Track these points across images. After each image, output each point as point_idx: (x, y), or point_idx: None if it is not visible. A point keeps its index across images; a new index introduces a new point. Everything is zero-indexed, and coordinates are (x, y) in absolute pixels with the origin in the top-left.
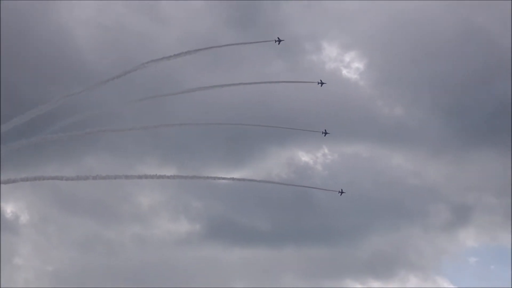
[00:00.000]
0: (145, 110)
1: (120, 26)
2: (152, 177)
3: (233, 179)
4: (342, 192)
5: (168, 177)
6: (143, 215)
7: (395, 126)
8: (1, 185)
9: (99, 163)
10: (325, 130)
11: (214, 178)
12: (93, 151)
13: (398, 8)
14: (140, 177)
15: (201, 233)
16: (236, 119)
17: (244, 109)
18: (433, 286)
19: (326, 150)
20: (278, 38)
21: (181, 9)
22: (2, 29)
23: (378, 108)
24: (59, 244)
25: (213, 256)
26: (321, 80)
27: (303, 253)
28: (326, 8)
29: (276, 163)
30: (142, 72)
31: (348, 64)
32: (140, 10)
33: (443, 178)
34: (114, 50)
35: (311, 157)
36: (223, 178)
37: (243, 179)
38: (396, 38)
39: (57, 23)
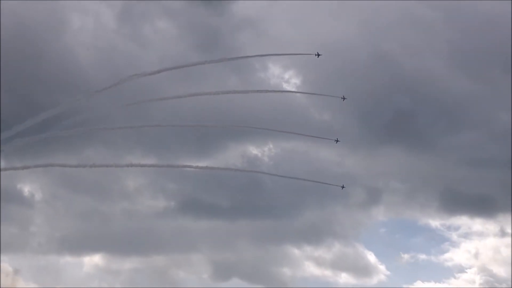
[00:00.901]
0: (131, 113)
1: (112, 49)
2: (136, 165)
3: (198, 167)
4: (343, 187)
5: (149, 165)
6: (130, 194)
7: (323, 128)
8: (20, 170)
9: (96, 154)
10: (337, 139)
11: (185, 166)
12: (91, 145)
13: (324, 38)
14: (127, 165)
15: (175, 209)
16: (202, 121)
17: (209, 113)
18: (352, 249)
19: (271, 146)
20: (318, 52)
21: (160, 36)
22: (23, 52)
23: (311, 114)
24: (65, 216)
25: (184, 226)
26: (343, 96)
27: (253, 224)
28: (271, 38)
29: (233, 155)
30: (129, 84)
31: (287, 80)
32: (128, 36)
33: (360, 167)
34: (107, 66)
35: (259, 150)
36: (191, 167)
37: (207, 167)
38: (323, 60)
39: (64, 46)
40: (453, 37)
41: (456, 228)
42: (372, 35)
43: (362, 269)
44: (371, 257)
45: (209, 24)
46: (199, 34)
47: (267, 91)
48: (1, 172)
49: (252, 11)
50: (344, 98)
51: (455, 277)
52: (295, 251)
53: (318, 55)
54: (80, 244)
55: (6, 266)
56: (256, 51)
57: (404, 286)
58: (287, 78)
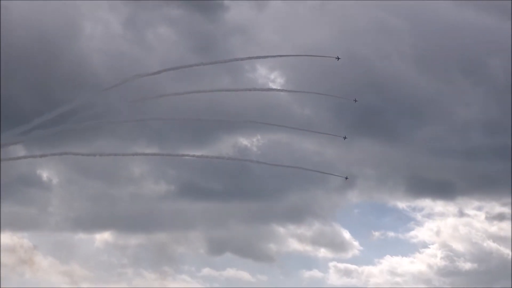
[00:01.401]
0: (136, 109)
1: (119, 52)
2: (141, 154)
3: (195, 156)
4: (347, 178)
5: (152, 154)
6: (135, 179)
7: (304, 121)
8: (39, 158)
9: (105, 144)
10: (345, 136)
11: (183, 155)
12: (101, 136)
13: (304, 42)
14: (133, 154)
15: (175, 192)
16: (198, 115)
17: (204, 109)
18: (329, 228)
19: (259, 137)
20: (338, 56)
21: (161, 41)
22: (43, 54)
23: (294, 109)
24: (78, 199)
25: (182, 208)
26: (355, 99)
27: (243, 206)
28: (258, 42)
29: (225, 145)
30: (134, 83)
31: (273, 80)
32: (133, 41)
33: (337, 156)
34: (115, 68)
35: (248, 141)
36: (189, 155)
37: (203, 156)
38: (304, 63)
39: (78, 50)
40: (417, 42)
41: (420, 209)
42: (346, 40)
43: (338, 245)
44: (346, 235)
45: (204, 30)
46: (196, 39)
47: (255, 89)
48: (23, 160)
49: (242, 19)
50: (355, 100)
51: (419, 252)
52: (280, 229)
53: (338, 58)
54: (91, 223)
55: (27, 242)
56: (246, 54)
57: (375, 259)
58: (273, 78)
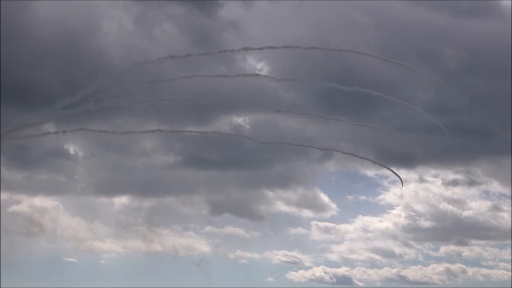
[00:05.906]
0: (147, 92)
1: (130, 45)
2: (151, 131)
3: (198, 131)
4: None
5: (161, 130)
6: (147, 152)
7: (288, 104)
8: (63, 134)
9: (121, 123)
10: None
11: (188, 131)
12: (117, 115)
13: (287, 36)
14: (144, 132)
15: (181, 162)
16: (200, 98)
17: (205, 92)
18: (311, 192)
19: (251, 116)
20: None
21: (166, 35)
22: (67, 47)
23: (280, 93)
24: (100, 168)
25: (187, 176)
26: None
27: (238, 174)
28: (248, 36)
29: (223, 123)
30: (144, 68)
31: (260, 69)
32: (142, 36)
33: (317, 133)
34: (128, 58)
35: (242, 120)
36: (193, 131)
37: (204, 132)
38: (286, 54)
39: (96, 43)
40: (380, 36)
41: (386, 177)
42: (321, 34)
43: (318, 207)
44: (325, 198)
45: (202, 25)
46: (195, 33)
47: (245, 75)
48: (53, 136)
49: (235, 15)
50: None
51: (386, 212)
52: (269, 193)
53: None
54: (111, 188)
55: (57, 204)
56: (238, 47)
57: (349, 219)
58: (260, 68)
